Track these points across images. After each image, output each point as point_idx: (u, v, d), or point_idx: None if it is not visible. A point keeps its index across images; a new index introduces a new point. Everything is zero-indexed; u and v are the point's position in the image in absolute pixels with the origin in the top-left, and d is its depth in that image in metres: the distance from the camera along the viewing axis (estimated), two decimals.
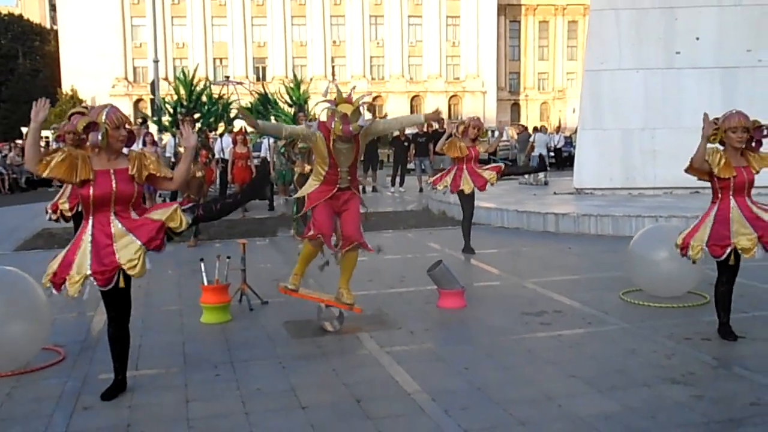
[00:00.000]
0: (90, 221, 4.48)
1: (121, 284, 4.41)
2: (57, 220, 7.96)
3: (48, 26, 77.45)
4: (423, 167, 20.72)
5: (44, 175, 4.37)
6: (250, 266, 7.35)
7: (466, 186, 9.47)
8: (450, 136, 9.63)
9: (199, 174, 11.08)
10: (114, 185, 4.45)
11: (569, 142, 30.66)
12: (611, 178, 14.65)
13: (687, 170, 5.72)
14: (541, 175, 18.42)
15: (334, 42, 70.10)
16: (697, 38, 14.52)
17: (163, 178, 4.67)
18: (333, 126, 5.81)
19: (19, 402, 4.64)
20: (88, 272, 4.35)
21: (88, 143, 4.60)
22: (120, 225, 4.47)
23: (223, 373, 5.10)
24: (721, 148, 5.67)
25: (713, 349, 5.49)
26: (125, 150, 4.63)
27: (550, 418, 4.22)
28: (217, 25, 68.22)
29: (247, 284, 7.08)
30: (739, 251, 5.50)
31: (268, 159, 14.46)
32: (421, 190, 19.97)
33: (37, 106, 4.35)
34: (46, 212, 7.92)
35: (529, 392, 4.65)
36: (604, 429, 4.05)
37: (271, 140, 15.22)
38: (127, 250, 4.40)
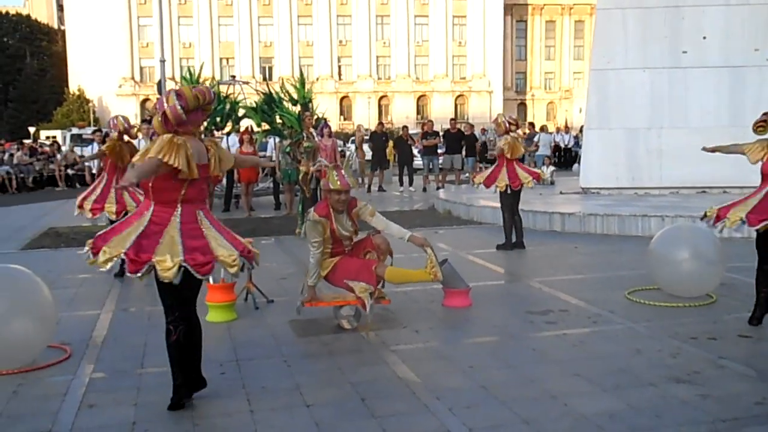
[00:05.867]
0: (177, 210, 4.29)
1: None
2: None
3: (55, 26, 77.76)
4: (431, 166, 20.71)
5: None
6: None
7: (501, 183, 9.73)
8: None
9: (312, 168, 11.32)
10: None
11: (577, 141, 30.63)
12: (617, 178, 14.62)
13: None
14: (547, 174, 18.42)
15: (341, 42, 70.17)
16: (704, 37, 14.47)
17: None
18: (329, 179, 5.84)
19: (25, 399, 4.66)
20: (182, 258, 4.14)
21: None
22: (207, 221, 4.39)
23: (229, 371, 5.11)
24: None
25: (719, 349, 5.47)
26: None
27: (555, 417, 4.22)
28: (223, 25, 68.36)
29: (253, 283, 7.09)
30: None
31: (274, 158, 14.47)
32: (424, 189, 19.98)
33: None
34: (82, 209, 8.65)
35: (534, 391, 4.65)
36: (609, 428, 4.05)
37: (277, 139, 15.26)
38: (224, 248, 4.30)
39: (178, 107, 4.22)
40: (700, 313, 6.50)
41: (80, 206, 8.65)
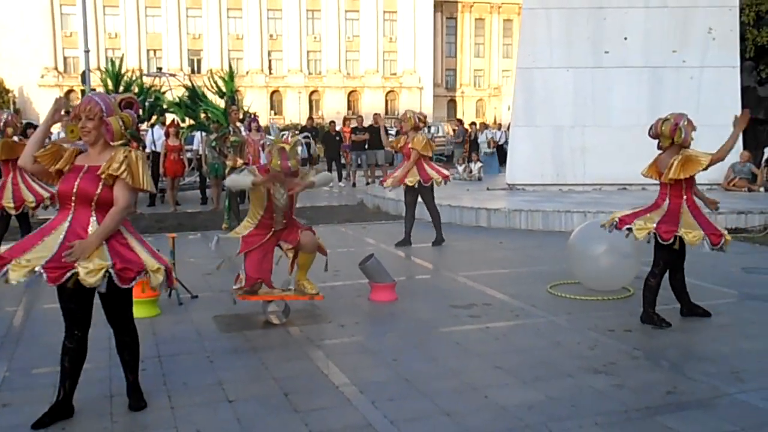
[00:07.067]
0: (69, 216, 4.03)
1: (71, 285, 3.95)
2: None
3: None
4: (359, 162, 20.75)
5: (33, 163, 4.08)
6: (179, 260, 7.26)
7: (412, 179, 9.73)
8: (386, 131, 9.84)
9: (239, 162, 11.21)
10: (77, 182, 4.01)
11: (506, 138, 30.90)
12: (542, 174, 14.91)
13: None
14: (475, 170, 18.65)
15: (271, 36, 69.53)
16: (626, 38, 14.89)
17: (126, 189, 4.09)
18: (271, 160, 5.78)
19: None
20: (41, 264, 3.84)
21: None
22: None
23: (150, 367, 5.03)
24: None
25: (634, 340, 5.66)
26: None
27: (475, 408, 4.30)
28: (151, 16, 66.87)
29: (177, 278, 6.97)
30: (685, 241, 5.82)
31: (200, 152, 14.31)
32: (354, 185, 20.01)
33: (57, 104, 4.14)
34: None
35: (455, 383, 4.72)
36: (527, 418, 4.14)
37: (203, 133, 15.04)
38: (92, 259, 3.94)
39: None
40: (617, 306, 6.70)
41: None
